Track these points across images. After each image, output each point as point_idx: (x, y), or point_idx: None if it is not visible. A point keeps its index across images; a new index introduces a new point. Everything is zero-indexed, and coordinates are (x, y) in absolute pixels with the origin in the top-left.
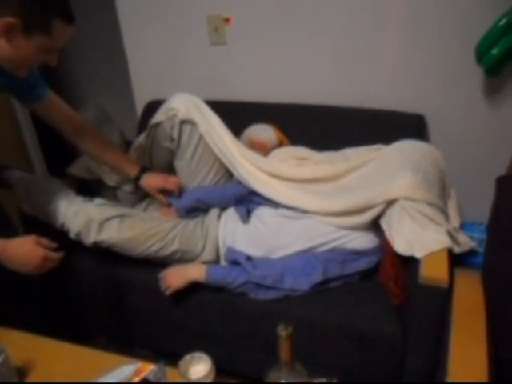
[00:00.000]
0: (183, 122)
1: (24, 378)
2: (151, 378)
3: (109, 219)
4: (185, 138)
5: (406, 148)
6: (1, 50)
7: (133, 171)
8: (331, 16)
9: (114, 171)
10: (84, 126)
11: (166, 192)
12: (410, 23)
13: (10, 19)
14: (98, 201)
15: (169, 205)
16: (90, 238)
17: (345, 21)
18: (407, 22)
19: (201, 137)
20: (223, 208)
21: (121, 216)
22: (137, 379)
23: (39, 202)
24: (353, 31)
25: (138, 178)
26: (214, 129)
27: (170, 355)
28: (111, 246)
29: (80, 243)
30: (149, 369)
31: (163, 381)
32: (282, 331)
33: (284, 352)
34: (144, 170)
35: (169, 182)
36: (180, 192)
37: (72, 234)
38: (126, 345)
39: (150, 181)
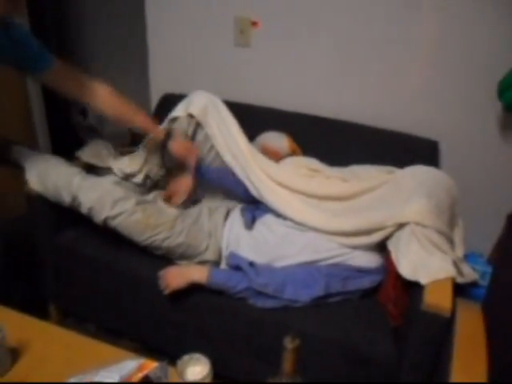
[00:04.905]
0: (199, 123)
1: (16, 359)
2: (152, 376)
3: (123, 199)
4: (200, 138)
5: (422, 173)
6: None
7: (159, 134)
8: (359, 31)
9: (138, 132)
10: (101, 90)
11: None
12: (437, 49)
13: None
14: (112, 178)
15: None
16: (103, 214)
17: (373, 37)
18: (435, 47)
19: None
20: (230, 209)
21: (135, 198)
22: (140, 375)
23: (50, 176)
24: (380, 49)
25: (164, 141)
26: (230, 132)
27: (159, 351)
28: (120, 226)
29: (84, 228)
30: (151, 366)
31: (164, 380)
32: (289, 343)
33: (287, 364)
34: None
35: (191, 156)
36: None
37: (84, 209)
38: (115, 335)
39: (177, 147)
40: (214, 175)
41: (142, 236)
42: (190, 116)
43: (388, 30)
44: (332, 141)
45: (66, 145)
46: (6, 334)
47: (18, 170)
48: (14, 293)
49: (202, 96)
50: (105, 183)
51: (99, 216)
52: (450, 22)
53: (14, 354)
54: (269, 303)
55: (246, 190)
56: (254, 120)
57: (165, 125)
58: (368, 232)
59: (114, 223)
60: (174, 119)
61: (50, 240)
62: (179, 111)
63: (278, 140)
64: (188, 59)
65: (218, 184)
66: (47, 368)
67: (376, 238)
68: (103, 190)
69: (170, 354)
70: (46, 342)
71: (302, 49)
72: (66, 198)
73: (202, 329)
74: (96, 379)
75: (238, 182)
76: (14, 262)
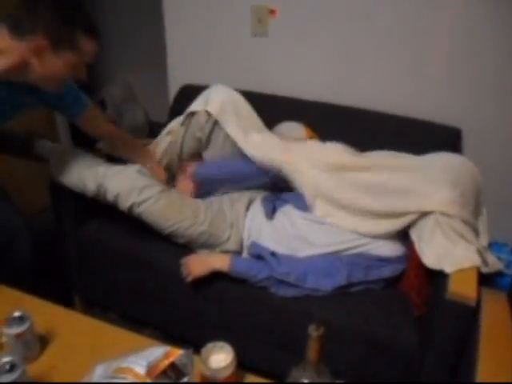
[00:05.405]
0: (217, 121)
1: (45, 346)
2: (178, 363)
3: (149, 185)
4: (215, 134)
5: (446, 160)
6: (33, 69)
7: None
8: (379, 20)
9: None
10: (117, 137)
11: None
12: (460, 36)
13: (39, 40)
14: (137, 167)
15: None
16: (130, 200)
17: (393, 25)
18: (458, 34)
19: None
20: (252, 199)
21: (160, 185)
22: (166, 362)
23: (75, 167)
24: (400, 36)
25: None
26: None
27: (181, 340)
28: (145, 212)
29: (106, 219)
30: (177, 353)
31: (189, 367)
32: (314, 331)
33: (312, 352)
34: None
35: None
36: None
37: (110, 196)
38: (137, 323)
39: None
40: (215, 170)
41: (167, 223)
42: (208, 113)
43: (414, 18)
44: (352, 129)
45: (85, 138)
46: (34, 321)
47: (42, 164)
48: (40, 284)
49: (220, 92)
50: (130, 171)
51: (125, 203)
52: (474, 7)
53: (43, 341)
54: (290, 292)
55: (245, 173)
56: (271, 109)
57: (183, 118)
58: (392, 216)
59: (139, 210)
60: (192, 114)
61: (74, 232)
62: (197, 106)
63: (295, 130)
64: (205, 49)
65: (225, 175)
66: (75, 354)
67: (399, 224)
68: (130, 177)
69: (191, 342)
70: (73, 329)
71: (321, 37)
72: (91, 188)
73: (224, 317)
74: (124, 365)
75: (249, 165)
76: (38, 254)
